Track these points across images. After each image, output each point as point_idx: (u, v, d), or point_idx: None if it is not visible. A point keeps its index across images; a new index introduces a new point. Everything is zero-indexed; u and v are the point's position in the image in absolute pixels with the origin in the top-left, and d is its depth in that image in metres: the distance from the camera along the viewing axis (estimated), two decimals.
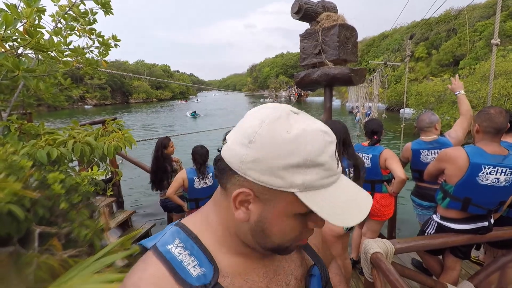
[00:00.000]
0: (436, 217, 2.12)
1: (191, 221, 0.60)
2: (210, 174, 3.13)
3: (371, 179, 2.65)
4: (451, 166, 1.92)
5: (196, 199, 3.09)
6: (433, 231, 2.13)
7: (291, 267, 0.64)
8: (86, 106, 58.30)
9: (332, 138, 0.49)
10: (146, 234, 4.30)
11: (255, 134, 0.47)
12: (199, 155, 3.07)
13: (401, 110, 19.12)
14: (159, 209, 3.95)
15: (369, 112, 8.34)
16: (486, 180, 1.80)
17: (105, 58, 2.19)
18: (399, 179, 2.42)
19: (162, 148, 3.41)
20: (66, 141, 1.55)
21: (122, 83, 69.51)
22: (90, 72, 2.17)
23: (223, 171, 0.51)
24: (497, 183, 1.79)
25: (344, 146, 2.19)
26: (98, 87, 63.25)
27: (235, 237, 0.55)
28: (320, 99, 47.31)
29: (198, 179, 3.05)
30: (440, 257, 2.38)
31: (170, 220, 4.03)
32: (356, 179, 2.19)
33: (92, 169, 1.52)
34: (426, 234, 2.17)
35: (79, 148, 1.56)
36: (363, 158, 2.65)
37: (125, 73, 5.33)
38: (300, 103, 50.32)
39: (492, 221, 1.97)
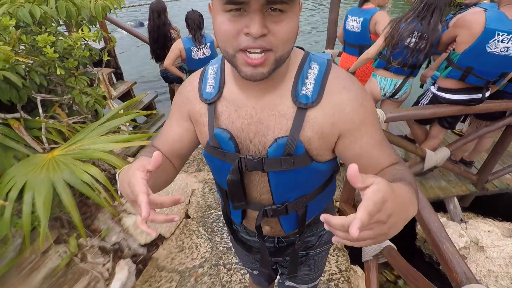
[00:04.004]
0: (433, 88, 2.14)
1: None
2: (208, 44, 2.98)
3: (360, 44, 2.57)
4: (464, 32, 1.81)
5: (195, 70, 3.04)
6: (427, 101, 2.19)
7: (279, 108, 0.68)
8: None
9: None
10: (150, 105, 4.45)
11: None
12: (192, 19, 2.84)
13: None
14: (161, 80, 3.95)
15: None
16: (496, 48, 1.73)
17: None
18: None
19: (163, 12, 3.14)
20: None
21: None
22: None
23: None
24: (506, 53, 1.73)
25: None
26: None
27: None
28: None
29: (195, 49, 2.92)
30: (427, 127, 2.53)
31: (171, 91, 4.09)
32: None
33: (82, 31, 1.44)
34: (420, 104, 2.25)
35: (64, 7, 1.43)
36: (355, 22, 2.50)
37: None
38: None
39: (487, 94, 2.00)
